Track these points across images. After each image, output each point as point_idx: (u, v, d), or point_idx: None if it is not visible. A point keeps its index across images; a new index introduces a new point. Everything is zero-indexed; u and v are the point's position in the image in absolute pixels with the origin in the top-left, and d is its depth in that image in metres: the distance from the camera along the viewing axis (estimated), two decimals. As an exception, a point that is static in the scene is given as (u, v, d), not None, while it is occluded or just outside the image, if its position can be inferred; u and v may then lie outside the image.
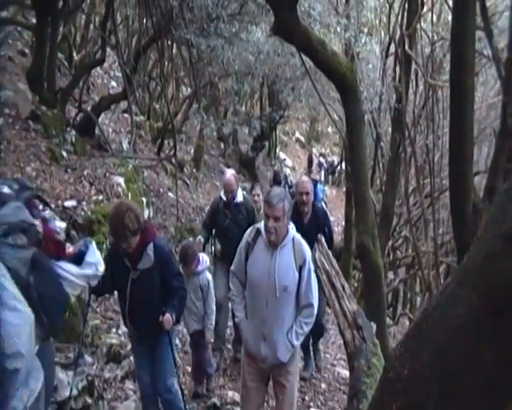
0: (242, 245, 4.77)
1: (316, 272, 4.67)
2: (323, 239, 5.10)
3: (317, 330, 7.45)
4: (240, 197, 7.64)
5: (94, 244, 4.43)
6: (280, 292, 4.48)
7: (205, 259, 6.55)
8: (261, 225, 4.63)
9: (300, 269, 4.54)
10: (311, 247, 4.96)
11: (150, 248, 4.87)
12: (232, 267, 4.92)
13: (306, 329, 4.70)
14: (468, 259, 1.78)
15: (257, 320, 4.68)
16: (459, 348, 1.71)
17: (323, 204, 8.97)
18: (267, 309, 4.56)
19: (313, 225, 6.87)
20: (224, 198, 7.64)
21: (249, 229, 4.83)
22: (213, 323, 6.52)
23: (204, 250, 7.62)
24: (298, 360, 5.21)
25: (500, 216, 1.62)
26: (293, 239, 4.61)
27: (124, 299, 5.08)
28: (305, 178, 8.08)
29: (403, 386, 1.94)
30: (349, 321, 4.18)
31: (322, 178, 34.20)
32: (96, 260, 4.30)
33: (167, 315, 4.92)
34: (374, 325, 4.45)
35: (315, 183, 8.18)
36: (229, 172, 8.00)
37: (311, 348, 7.99)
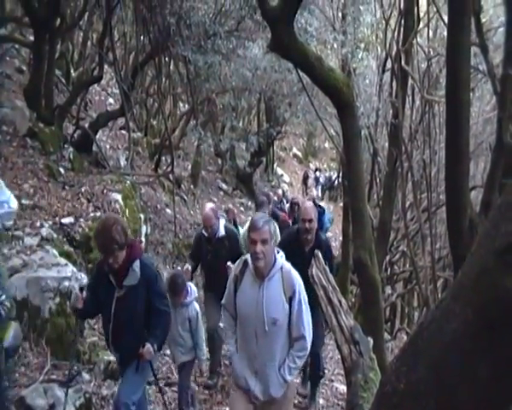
0: (231, 278, 4.58)
1: (313, 287, 4.59)
2: (320, 254, 4.99)
3: (313, 360, 7.15)
4: (222, 231, 7.32)
5: (2, 183, 4.38)
6: (269, 326, 4.27)
7: (193, 289, 6.32)
8: (249, 255, 4.41)
9: (290, 300, 4.32)
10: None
11: (137, 265, 4.77)
12: (223, 300, 4.73)
13: (300, 363, 4.53)
14: (463, 274, 1.79)
15: (248, 355, 4.49)
16: (454, 363, 1.72)
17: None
18: (257, 344, 4.37)
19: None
20: (205, 234, 7.37)
21: (237, 261, 4.63)
22: (205, 353, 6.32)
23: (192, 279, 7.58)
24: (292, 397, 5.01)
25: (493, 232, 1.64)
26: (281, 269, 4.37)
27: (108, 319, 4.95)
28: (308, 203, 7.48)
29: (399, 400, 1.94)
30: (346, 336, 4.16)
31: (320, 194, 34.25)
32: (6, 197, 4.26)
33: (148, 346, 4.77)
34: (371, 340, 4.44)
35: (322, 210, 7.71)
36: (208, 206, 7.62)
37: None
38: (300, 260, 4.52)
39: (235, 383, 4.70)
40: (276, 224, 4.61)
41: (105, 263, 4.75)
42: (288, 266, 4.41)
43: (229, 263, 6.65)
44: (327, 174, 38.01)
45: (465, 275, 1.76)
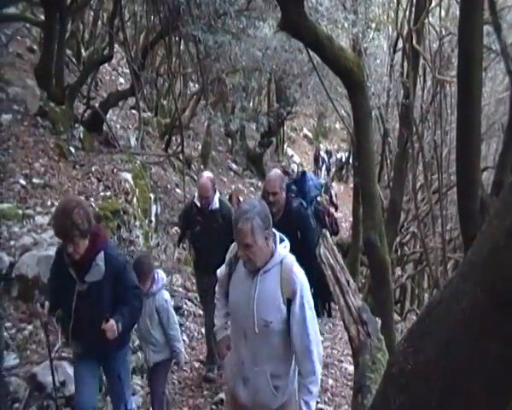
0: (227, 260, 3.95)
1: (320, 266, 4.50)
2: (328, 233, 4.92)
3: None
4: (216, 203, 6.81)
5: None
6: (260, 328, 3.60)
7: (161, 276, 5.61)
8: None
9: (289, 303, 3.58)
10: None
11: (101, 259, 4.22)
12: (218, 273, 4.11)
13: (316, 390, 3.74)
14: (472, 253, 1.78)
15: (236, 357, 3.91)
16: (462, 343, 1.71)
17: (326, 202, 7.31)
18: (246, 346, 3.75)
19: (282, 227, 4.99)
20: (198, 204, 6.90)
21: (232, 245, 3.91)
22: (181, 346, 5.64)
23: (184, 239, 7.57)
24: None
25: (504, 211, 1.63)
26: (281, 262, 3.63)
27: (68, 315, 4.39)
28: (272, 174, 6.37)
29: (406, 381, 1.94)
30: (354, 317, 4.13)
31: (325, 174, 33.77)
32: None
33: (111, 322, 4.16)
34: (379, 321, 4.43)
35: (303, 176, 6.94)
36: (206, 175, 7.03)
37: None
38: None
39: (227, 384, 4.33)
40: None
41: (64, 252, 4.19)
42: (290, 260, 3.69)
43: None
44: (338, 155, 37.53)
45: (475, 254, 1.75)
